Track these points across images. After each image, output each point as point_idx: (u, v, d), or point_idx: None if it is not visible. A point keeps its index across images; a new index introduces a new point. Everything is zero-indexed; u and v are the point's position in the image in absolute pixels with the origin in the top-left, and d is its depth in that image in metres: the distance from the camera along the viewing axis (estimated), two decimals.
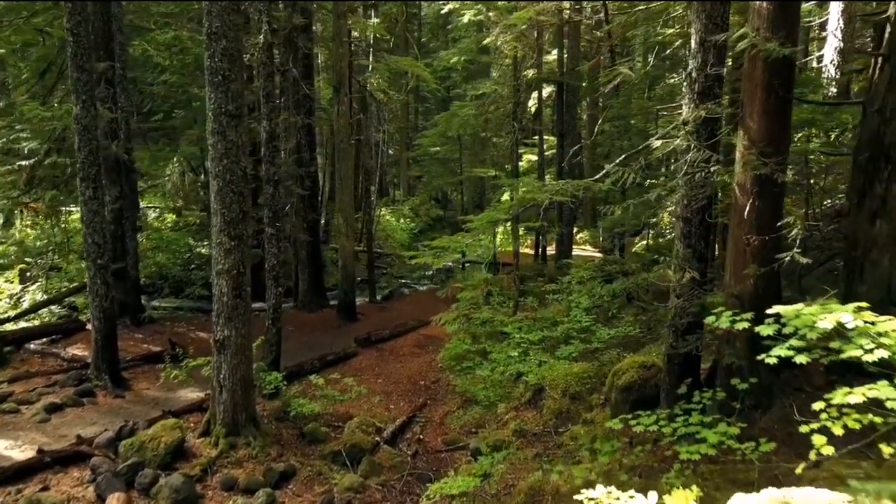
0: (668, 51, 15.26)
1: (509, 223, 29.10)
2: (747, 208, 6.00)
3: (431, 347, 13.49)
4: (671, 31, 14.45)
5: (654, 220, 16.11)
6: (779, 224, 5.92)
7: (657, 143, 6.23)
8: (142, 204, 27.15)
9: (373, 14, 26.58)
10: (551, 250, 23.12)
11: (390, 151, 35.82)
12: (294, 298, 16.89)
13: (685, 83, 6.59)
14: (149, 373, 11.46)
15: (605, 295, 11.46)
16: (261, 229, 10.65)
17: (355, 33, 22.18)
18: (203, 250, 22.55)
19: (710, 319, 4.36)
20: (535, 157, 26.05)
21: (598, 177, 6.41)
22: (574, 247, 22.92)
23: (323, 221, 21.62)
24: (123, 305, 13.78)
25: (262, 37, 9.66)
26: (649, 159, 6.92)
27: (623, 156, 6.41)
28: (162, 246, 22.29)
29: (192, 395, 10.40)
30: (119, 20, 12.29)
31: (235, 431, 8.53)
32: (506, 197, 30.89)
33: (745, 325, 3.92)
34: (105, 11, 12.39)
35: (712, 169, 6.19)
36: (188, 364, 9.29)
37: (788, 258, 5.55)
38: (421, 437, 9.69)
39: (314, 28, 21.27)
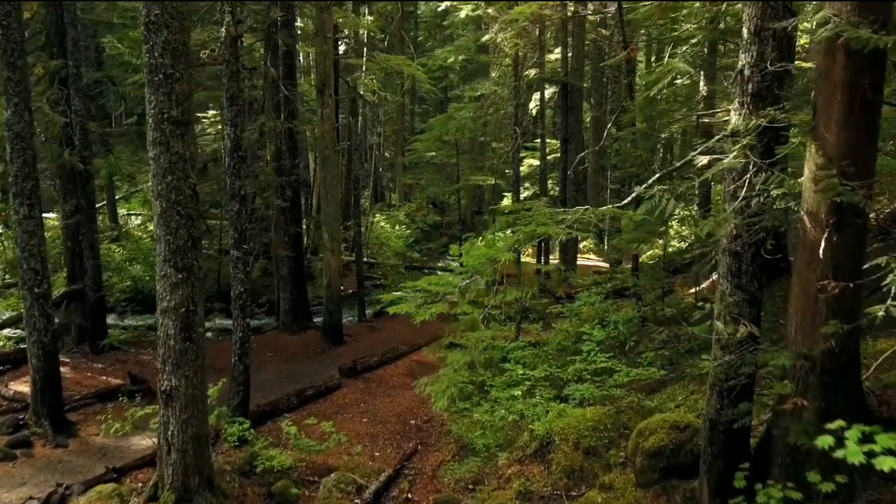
0: (684, 48, 13.92)
1: (509, 228, 27.81)
2: (822, 244, 4.64)
3: (424, 377, 12.10)
4: (689, 25, 13.11)
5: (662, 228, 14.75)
6: (864, 266, 4.59)
7: (703, 160, 4.88)
8: (122, 211, 25.91)
9: (366, 11, 25.24)
10: (554, 258, 21.80)
11: (386, 154, 34.50)
12: (276, 317, 15.54)
13: (735, 82, 5.23)
14: (102, 413, 10.07)
15: (620, 322, 10.11)
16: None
17: (345, 30, 20.84)
18: None
19: (823, 441, 2.99)
20: (536, 162, 24.70)
21: (626, 202, 5.05)
22: (578, 254, 21.61)
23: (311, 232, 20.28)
24: (82, 331, 12.42)
25: (224, 29, 8.31)
26: (687, 174, 5.56)
27: (657, 174, 5.06)
28: (140, 257, 20.91)
29: (147, 441, 9.01)
30: (72, 12, 10.92)
31: (187, 498, 7.16)
32: (506, 202, 29.59)
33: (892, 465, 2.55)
34: (56, 3, 11.02)
35: (774, 193, 4.83)
36: (134, 413, 7.92)
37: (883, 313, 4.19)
38: (409, 495, 8.32)
39: (297, 23, 19.93)
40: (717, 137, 5.24)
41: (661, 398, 8.53)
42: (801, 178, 4.76)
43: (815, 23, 4.36)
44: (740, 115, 5.22)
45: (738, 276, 5.36)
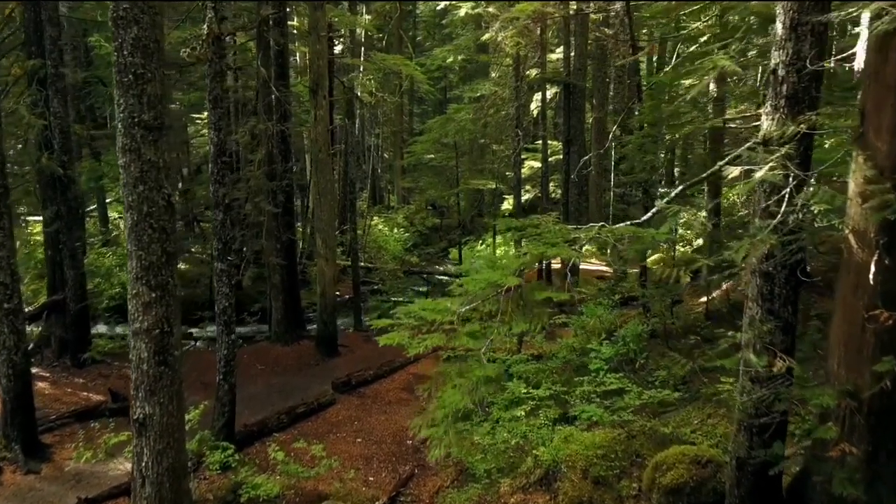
0: (693, 46, 13.36)
1: (511, 232, 27.22)
2: (871, 268, 4.08)
3: (418, 417, 11.48)
4: (699, 24, 12.56)
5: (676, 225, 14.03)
6: None
7: (733, 171, 4.32)
8: (115, 214, 25.32)
9: (363, 10, 24.66)
10: (556, 262, 21.23)
11: (385, 155, 33.92)
12: (269, 326, 14.96)
13: (768, 84, 4.67)
14: (80, 433, 9.50)
15: (629, 338, 9.54)
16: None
17: (341, 29, 20.26)
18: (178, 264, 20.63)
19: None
20: (537, 164, 24.11)
21: (646, 218, 4.48)
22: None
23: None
24: (63, 343, 11.84)
25: (206, 27, 7.74)
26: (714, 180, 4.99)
27: (680, 187, 4.49)
28: None
29: (125, 466, 8.44)
30: (49, 9, 10.33)
31: None
32: (507, 205, 28.98)
33: None
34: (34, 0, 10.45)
35: (815, 209, 4.27)
36: (107, 441, 7.35)
37: None
38: None
39: (294, 22, 19.37)
40: (747, 145, 4.68)
41: (676, 421, 7.96)
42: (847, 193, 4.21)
43: (867, 16, 3.81)
44: (773, 119, 4.66)
45: (769, 299, 4.80)
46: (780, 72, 4.59)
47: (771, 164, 4.17)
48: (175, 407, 6.58)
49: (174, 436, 6.62)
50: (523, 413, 8.84)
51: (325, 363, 13.43)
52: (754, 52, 11.01)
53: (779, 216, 4.04)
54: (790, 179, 4.08)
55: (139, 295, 6.23)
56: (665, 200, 4.52)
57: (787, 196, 4.09)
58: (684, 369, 8.88)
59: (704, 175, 4.51)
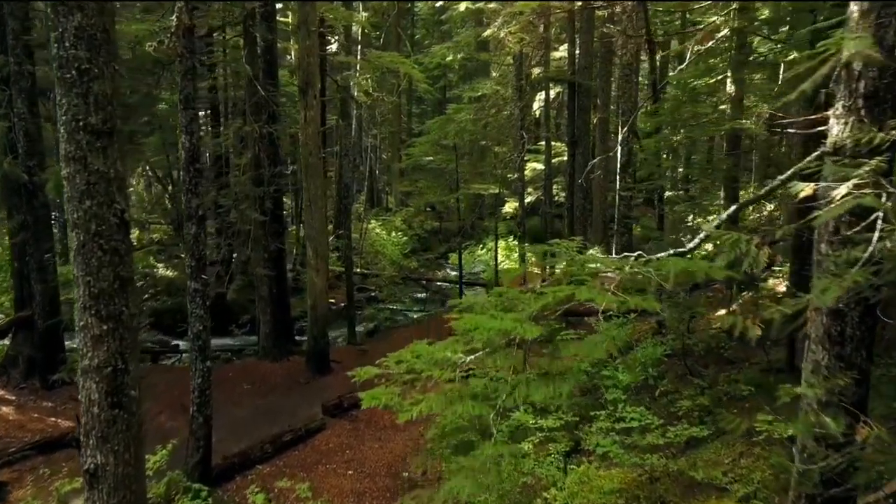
0: (709, 43, 12.50)
1: (513, 237, 26.25)
2: None
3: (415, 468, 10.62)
4: (716, 18, 11.72)
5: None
6: None
7: (804, 188, 3.45)
8: None
9: (360, 7, 23.80)
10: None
11: (384, 156, 33.06)
12: (257, 337, 14.09)
13: (840, 81, 3.81)
14: (42, 469, 8.64)
15: (649, 363, 8.68)
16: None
17: (337, 26, 19.38)
18: (164, 271, 19.78)
19: None
20: (540, 166, 23.23)
21: (692, 247, 3.62)
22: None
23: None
24: (31, 363, 10.98)
25: (175, 17, 6.87)
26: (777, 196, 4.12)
27: (732, 207, 3.63)
28: None
29: None
30: (11, 3, 9.46)
31: None
32: (508, 208, 28.07)
33: None
34: None
35: None
36: (60, 488, 6.50)
37: None
38: None
39: (287, 18, 18.50)
40: (813, 155, 3.81)
41: (704, 461, 7.08)
42: None
43: None
44: (846, 123, 3.80)
45: (839, 342, 3.94)
46: (856, 66, 3.74)
47: (855, 179, 3.30)
48: (132, 455, 5.69)
49: (131, 488, 5.73)
50: (531, 446, 7.99)
51: (316, 381, 12.55)
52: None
53: (870, 247, 3.16)
54: (884, 199, 3.21)
55: (88, 327, 5.34)
56: (714, 224, 3.65)
57: (878, 221, 3.21)
58: (709, 399, 8.03)
59: (763, 192, 3.66)
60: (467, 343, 3.93)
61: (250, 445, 9.38)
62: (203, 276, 7.53)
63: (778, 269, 11.25)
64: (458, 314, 3.90)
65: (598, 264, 3.70)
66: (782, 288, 11.11)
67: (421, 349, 3.83)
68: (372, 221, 26.67)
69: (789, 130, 7.00)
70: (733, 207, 3.67)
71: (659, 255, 3.58)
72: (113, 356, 5.41)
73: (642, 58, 24.92)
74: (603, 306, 3.06)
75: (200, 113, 21.34)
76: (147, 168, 23.38)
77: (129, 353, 5.52)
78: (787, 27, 9.69)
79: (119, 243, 5.35)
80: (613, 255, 3.66)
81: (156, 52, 7.17)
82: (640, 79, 23.17)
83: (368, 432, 10.49)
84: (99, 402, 5.45)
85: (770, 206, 18.13)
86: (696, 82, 8.87)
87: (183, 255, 20.46)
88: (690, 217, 11.31)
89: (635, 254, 3.56)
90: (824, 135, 3.99)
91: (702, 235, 3.68)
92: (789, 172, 3.72)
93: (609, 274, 3.58)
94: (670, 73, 14.55)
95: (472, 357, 3.52)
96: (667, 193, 15.58)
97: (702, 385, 8.32)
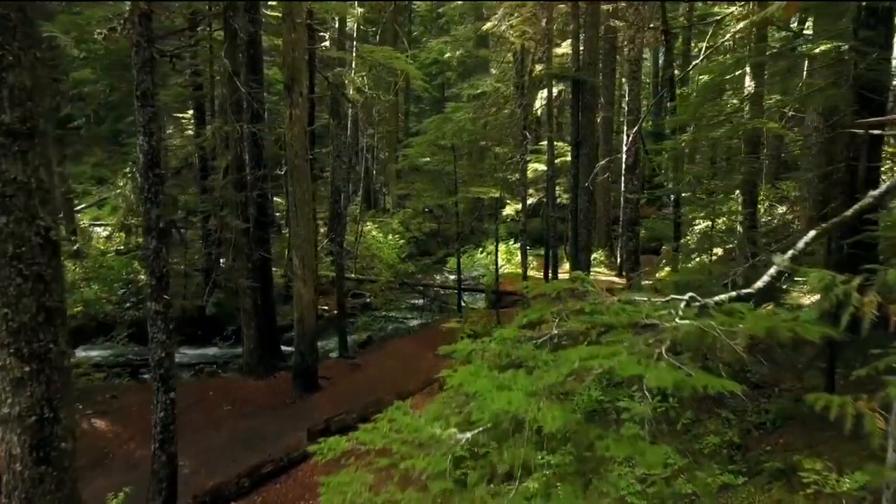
0: (725, 37, 11.61)
1: (514, 240, 25.37)
2: None
3: None
4: (734, 8, 10.83)
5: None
6: None
7: None
8: (85, 221, 23.55)
9: (356, 2, 22.91)
10: (564, 271, 19.45)
11: (381, 156, 32.14)
12: (242, 349, 13.19)
13: None
14: None
15: (669, 392, 7.78)
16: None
17: (330, 20, 18.47)
18: (146, 278, 18.86)
19: None
20: (542, 167, 22.30)
21: (760, 285, 2.71)
22: (590, 267, 19.23)
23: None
24: None
25: (129, 1, 5.98)
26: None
27: (811, 232, 2.74)
28: (101, 275, 18.58)
29: None
30: None
31: None
32: (509, 210, 27.14)
33: None
34: None
35: None
36: None
37: None
38: None
39: (275, 14, 17.57)
40: None
41: None
42: None
43: None
44: None
45: None
46: None
47: None
48: None
49: None
50: (536, 488, 7.08)
51: (303, 401, 11.64)
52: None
53: None
54: None
55: (7, 369, 4.45)
56: (787, 256, 2.75)
57: None
58: (737, 433, 7.13)
59: (851, 213, 2.78)
60: (461, 406, 3.05)
61: (225, 480, 8.46)
62: (165, 297, 6.62)
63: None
64: (451, 372, 3.04)
65: (634, 307, 2.79)
66: None
67: (402, 420, 2.95)
68: (368, 223, 25.78)
69: (840, 131, 6.05)
70: (811, 234, 2.77)
71: (717, 297, 2.68)
72: (38, 403, 4.52)
73: (644, 56, 23.95)
74: (653, 382, 2.16)
75: (188, 112, 20.48)
76: (133, 169, 22.49)
77: (58, 398, 4.61)
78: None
79: (43, 268, 4.45)
80: (651, 298, 2.75)
81: (105, 41, 6.28)
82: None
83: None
84: (22, 457, 4.55)
85: (782, 209, 17.18)
86: (719, 77, 7.97)
87: (172, 260, 19.62)
88: (699, 221, 10.35)
89: (686, 296, 2.66)
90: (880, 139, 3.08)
91: (772, 271, 2.78)
92: (887, 185, 2.82)
93: (649, 321, 2.69)
94: (676, 71, 13.64)
95: (469, 435, 2.62)
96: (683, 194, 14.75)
97: (728, 418, 7.42)
